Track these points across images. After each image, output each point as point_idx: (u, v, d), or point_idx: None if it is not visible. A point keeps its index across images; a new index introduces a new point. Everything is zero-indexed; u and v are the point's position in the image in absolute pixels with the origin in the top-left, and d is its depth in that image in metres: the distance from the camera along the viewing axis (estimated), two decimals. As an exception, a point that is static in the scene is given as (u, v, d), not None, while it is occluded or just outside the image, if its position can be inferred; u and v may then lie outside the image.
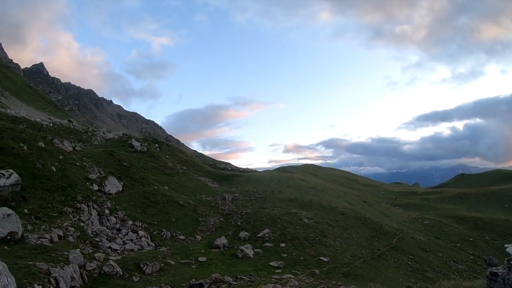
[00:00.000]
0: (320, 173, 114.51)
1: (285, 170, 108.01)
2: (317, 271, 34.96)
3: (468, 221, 73.01)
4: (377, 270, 39.78)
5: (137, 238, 39.63)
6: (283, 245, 42.55)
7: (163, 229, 43.64)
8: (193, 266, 34.06)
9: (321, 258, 39.61)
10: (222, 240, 42.48)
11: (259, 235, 45.00)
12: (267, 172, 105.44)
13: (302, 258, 39.20)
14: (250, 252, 39.15)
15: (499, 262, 54.14)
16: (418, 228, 63.59)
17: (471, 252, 55.92)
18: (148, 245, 39.02)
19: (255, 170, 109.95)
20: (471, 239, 62.33)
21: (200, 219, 50.59)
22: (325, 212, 56.45)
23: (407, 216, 73.10)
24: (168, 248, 38.34)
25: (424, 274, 42.80)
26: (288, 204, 57.72)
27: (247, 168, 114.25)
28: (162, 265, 31.65)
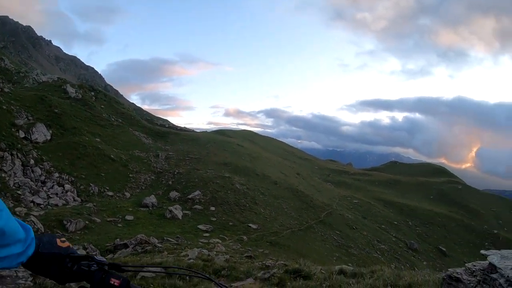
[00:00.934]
0: (258, 141, 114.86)
1: (223, 134, 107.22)
2: (245, 237, 35.03)
3: (395, 206, 76.62)
4: (304, 241, 40.58)
5: (62, 192, 37.62)
6: (213, 208, 42.26)
7: (91, 184, 41.85)
8: (120, 225, 33.20)
9: (250, 225, 39.79)
10: (151, 199, 41.45)
11: (190, 196, 44.35)
12: (204, 133, 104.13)
13: (231, 223, 39.23)
14: (179, 213, 38.51)
15: (419, 247, 57.57)
16: (346, 206, 65.66)
17: (394, 235, 58.73)
18: (74, 200, 37.32)
19: (193, 130, 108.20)
20: (395, 222, 65.46)
21: (130, 175, 49.02)
22: (258, 179, 56.67)
23: (338, 193, 75.28)
24: (94, 204, 37.01)
25: (349, 250, 44.34)
26: (222, 167, 57.29)
27: (185, 127, 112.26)
28: (87, 222, 30.36)
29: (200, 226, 36.23)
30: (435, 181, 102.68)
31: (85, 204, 36.54)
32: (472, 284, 5.93)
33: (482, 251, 6.18)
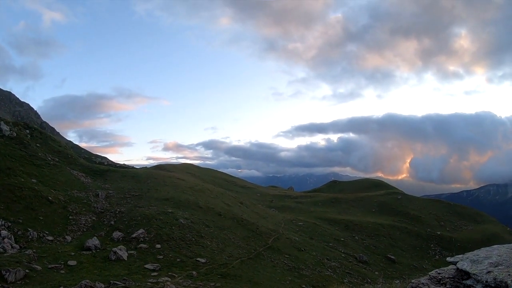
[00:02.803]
0: (199, 173, 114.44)
1: (163, 168, 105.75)
2: (194, 273, 34.61)
3: (339, 223, 78.82)
4: (254, 269, 40.65)
5: None
6: (158, 246, 41.40)
7: (29, 229, 39.62)
8: (62, 271, 31.67)
9: (198, 259, 39.34)
10: (94, 241, 39.97)
11: (134, 235, 43.22)
12: (144, 169, 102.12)
13: (178, 259, 38.55)
14: (124, 254, 37.42)
15: (368, 258, 59.51)
16: (292, 229, 66.59)
17: (342, 251, 60.25)
18: (12, 247, 35.10)
19: (133, 167, 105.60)
20: (342, 239, 67.25)
21: (70, 217, 46.87)
22: (202, 212, 56.30)
23: (282, 217, 76.15)
24: (34, 250, 35.06)
25: (300, 272, 44.88)
26: (165, 203, 56.39)
27: (124, 164, 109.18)
28: (27, 271, 28.76)
29: (147, 266, 35.35)
30: (375, 195, 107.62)
31: (24, 251, 34.44)
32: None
33: (449, 259, 6.11)
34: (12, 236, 37.08)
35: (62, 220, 45.48)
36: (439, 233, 79.68)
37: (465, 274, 5.31)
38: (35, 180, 51.55)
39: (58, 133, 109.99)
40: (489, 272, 4.77)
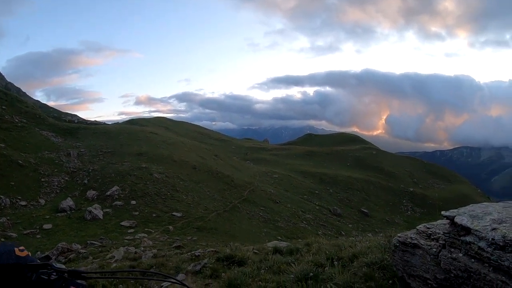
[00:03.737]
0: (172, 127, 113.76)
1: (135, 123, 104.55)
2: (171, 227, 34.95)
3: (314, 176, 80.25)
4: (230, 222, 41.44)
5: None
6: (134, 202, 41.57)
7: (1, 196, 38.87)
8: (38, 236, 31.72)
9: (174, 213, 39.72)
10: (68, 202, 39.77)
11: (108, 193, 43.13)
12: (116, 124, 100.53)
13: (154, 215, 38.93)
14: (99, 213, 37.45)
15: (342, 211, 61.22)
16: (268, 182, 67.63)
17: (317, 203, 61.74)
18: None
19: (104, 123, 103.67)
20: (316, 191, 68.76)
21: (43, 180, 46.16)
22: (176, 166, 56.39)
23: (257, 170, 77.14)
24: (8, 218, 34.75)
25: (276, 223, 46.03)
26: (138, 158, 56.14)
27: (95, 120, 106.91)
28: (3, 239, 28.47)
29: (124, 223, 35.55)
30: (350, 149, 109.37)
31: None
32: (434, 250, 5.29)
33: (443, 212, 5.68)
34: None
35: (34, 184, 44.86)
36: (412, 189, 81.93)
37: (463, 230, 4.85)
38: (3, 145, 50.12)
39: (25, 93, 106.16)
40: (494, 229, 4.40)
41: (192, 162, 60.76)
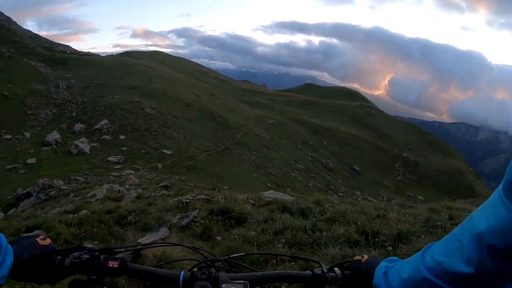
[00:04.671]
0: (169, 62, 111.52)
1: (130, 56, 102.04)
2: (159, 165, 34.61)
3: (310, 126, 79.65)
4: (221, 164, 41.19)
5: None
6: (123, 137, 40.99)
7: None
8: (21, 172, 31.39)
9: (164, 151, 39.35)
10: (54, 136, 39.11)
11: (96, 126, 42.43)
12: (110, 56, 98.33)
13: (143, 151, 38.49)
14: (86, 147, 36.89)
15: (334, 166, 61.32)
16: (262, 126, 67.03)
17: (310, 154, 61.68)
18: None
19: (98, 55, 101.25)
20: (311, 142, 68.54)
21: (29, 112, 45.38)
22: (170, 102, 55.54)
23: (253, 113, 76.48)
24: None
25: (267, 170, 45.91)
26: (131, 92, 55.03)
27: (88, 52, 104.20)
28: None
29: (111, 158, 35.12)
30: (349, 105, 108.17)
31: None
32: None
33: None
34: None
35: (20, 116, 44.12)
36: (405, 155, 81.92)
37: None
38: None
39: (15, 22, 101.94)
40: None
41: (187, 99, 59.88)
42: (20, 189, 24.06)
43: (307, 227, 6.13)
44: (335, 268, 1.34)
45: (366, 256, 1.35)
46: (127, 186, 20.20)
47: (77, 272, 1.30)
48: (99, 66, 69.40)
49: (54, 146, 37.87)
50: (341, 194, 46.63)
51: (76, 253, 1.31)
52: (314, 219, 6.73)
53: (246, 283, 1.20)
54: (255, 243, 5.40)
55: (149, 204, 10.65)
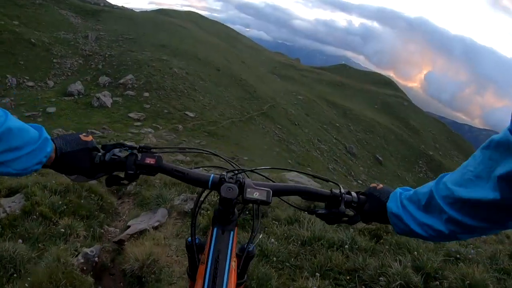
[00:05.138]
0: (203, 24, 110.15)
1: (165, 13, 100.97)
2: (180, 126, 33.94)
3: (339, 108, 78.01)
4: (243, 133, 40.34)
5: None
6: (147, 94, 40.30)
7: (8, 75, 37.98)
8: (40, 119, 30.84)
9: (187, 112, 38.59)
10: (77, 86, 38.67)
11: (121, 81, 41.78)
12: (144, 12, 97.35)
13: (166, 111, 37.73)
14: (108, 100, 36.32)
15: (358, 152, 59.91)
16: (290, 101, 65.75)
17: (334, 136, 60.31)
18: None
19: (132, 10, 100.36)
20: (337, 124, 66.98)
21: (54, 60, 44.87)
22: (199, 64, 54.56)
23: (283, 86, 75.11)
24: (12, 98, 34.11)
25: (289, 146, 44.93)
26: (160, 49, 54.19)
27: (122, 6, 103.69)
28: None
29: (131, 115, 34.55)
30: (382, 92, 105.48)
31: (1, 99, 33.50)
32: None
33: None
34: None
35: (45, 64, 43.62)
36: (431, 153, 79.49)
37: None
38: (16, 22, 47.84)
39: None
40: None
41: (217, 64, 58.81)
42: None
43: (345, 245, 4.28)
44: (352, 192, 1.38)
45: (381, 185, 1.38)
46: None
47: (116, 169, 1.33)
48: (131, 21, 68.39)
49: (76, 97, 37.54)
50: (360, 182, 45.65)
51: (117, 149, 1.34)
52: (352, 231, 4.73)
53: (269, 190, 1.25)
54: (274, 258, 3.99)
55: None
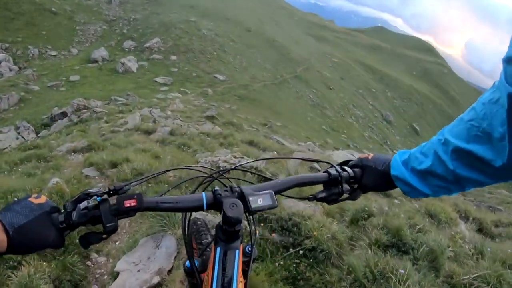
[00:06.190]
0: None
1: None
2: (210, 90, 32.52)
3: (375, 72, 74.96)
4: (276, 97, 38.68)
5: None
6: (174, 57, 39.02)
7: (30, 46, 37.24)
8: (63, 89, 30.05)
9: (216, 75, 37.18)
10: (101, 52, 37.79)
11: (147, 45, 40.63)
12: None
13: (194, 74, 36.44)
14: (133, 65, 35.35)
15: (394, 120, 57.58)
16: (325, 64, 63.33)
17: (370, 102, 57.95)
18: (10, 70, 33.19)
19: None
20: (373, 90, 64.35)
21: (77, 28, 44.02)
22: (229, 25, 52.74)
23: (317, 48, 72.47)
24: (34, 69, 33.22)
25: (323, 111, 43.16)
26: (188, 10, 52.49)
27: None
28: (22, 94, 27.11)
29: (158, 79, 33.32)
30: (421, 58, 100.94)
31: (23, 71, 32.79)
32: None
33: None
34: (11, 58, 34.89)
35: (67, 33, 42.76)
36: (469, 125, 76.43)
37: None
38: None
39: None
40: None
41: (248, 24, 56.72)
42: (56, 108, 22.57)
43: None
44: (346, 168, 1.37)
45: (371, 154, 1.38)
46: (169, 113, 18.02)
47: (88, 224, 1.13)
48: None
49: (100, 63, 36.75)
50: (395, 152, 43.72)
51: (83, 202, 1.13)
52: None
53: (271, 192, 1.20)
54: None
55: (179, 148, 8.28)
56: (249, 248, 1.32)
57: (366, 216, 4.25)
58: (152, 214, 3.80)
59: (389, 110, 60.01)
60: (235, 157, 5.97)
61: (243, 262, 1.27)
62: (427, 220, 4.67)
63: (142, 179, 1.36)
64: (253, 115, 26.37)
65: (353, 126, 44.80)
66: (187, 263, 1.32)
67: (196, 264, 1.31)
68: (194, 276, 1.31)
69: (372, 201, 5.14)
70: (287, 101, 39.45)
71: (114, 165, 6.29)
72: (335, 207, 4.43)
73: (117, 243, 3.88)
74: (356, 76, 66.32)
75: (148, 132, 12.00)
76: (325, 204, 4.74)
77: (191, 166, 1.58)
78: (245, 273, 1.30)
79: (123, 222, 4.17)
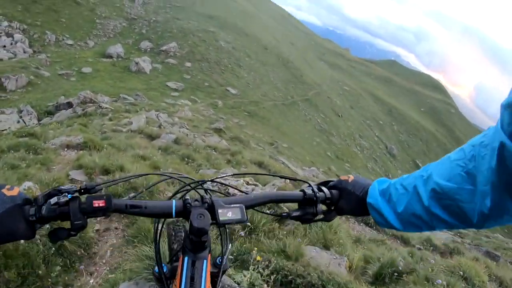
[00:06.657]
0: (254, 0, 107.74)
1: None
2: (220, 102, 32.18)
3: (384, 105, 74.84)
4: (285, 117, 38.45)
5: (11, 44, 32.73)
6: (188, 64, 38.77)
7: (47, 32, 36.99)
8: (73, 79, 29.86)
9: (228, 88, 36.87)
10: (117, 49, 37.57)
11: (164, 48, 40.49)
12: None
13: (207, 83, 36.17)
14: (147, 66, 35.07)
15: (398, 154, 57.22)
16: (336, 91, 63.30)
17: (377, 134, 57.64)
18: (24, 52, 32.65)
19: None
20: (381, 122, 64.08)
21: (97, 21, 43.95)
22: (247, 40, 52.65)
23: (330, 75, 72.43)
24: (48, 55, 33.00)
25: (330, 137, 42.94)
26: (208, 20, 52.49)
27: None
28: (32, 77, 26.68)
29: (170, 84, 33.04)
30: (430, 95, 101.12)
31: (37, 55, 32.47)
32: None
33: None
34: (27, 40, 34.46)
35: (87, 24, 42.72)
36: (472, 168, 76.05)
37: None
38: None
39: None
40: None
41: (265, 42, 56.75)
42: (63, 97, 22.04)
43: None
44: (323, 188, 1.33)
45: (352, 176, 1.34)
46: (176, 119, 17.37)
47: (58, 219, 1.12)
48: (180, -13, 66.80)
49: (115, 59, 36.53)
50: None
51: (53, 198, 1.11)
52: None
53: (242, 206, 1.17)
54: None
55: (183, 159, 7.55)
56: (220, 260, 1.28)
57: (392, 272, 3.63)
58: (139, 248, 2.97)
59: (394, 144, 59.76)
60: (247, 183, 5.19)
61: (213, 273, 1.24)
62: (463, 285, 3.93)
63: (115, 180, 1.35)
64: (260, 133, 25.88)
65: (357, 156, 44.49)
66: (156, 269, 1.28)
67: (165, 271, 1.27)
68: (163, 282, 1.27)
69: (393, 250, 4.54)
70: (295, 123, 39.14)
71: (106, 171, 5.67)
72: (359, 260, 3.88)
73: (93, 275, 3.06)
74: (365, 106, 66.26)
75: (152, 137, 11.46)
76: (350, 256, 4.13)
77: (167, 172, 1.45)
78: (214, 285, 1.24)
79: (104, 249, 3.37)
